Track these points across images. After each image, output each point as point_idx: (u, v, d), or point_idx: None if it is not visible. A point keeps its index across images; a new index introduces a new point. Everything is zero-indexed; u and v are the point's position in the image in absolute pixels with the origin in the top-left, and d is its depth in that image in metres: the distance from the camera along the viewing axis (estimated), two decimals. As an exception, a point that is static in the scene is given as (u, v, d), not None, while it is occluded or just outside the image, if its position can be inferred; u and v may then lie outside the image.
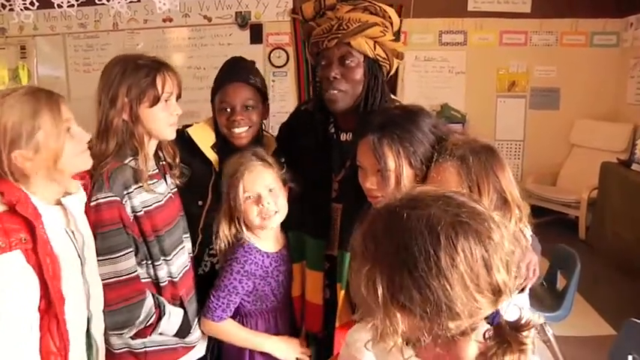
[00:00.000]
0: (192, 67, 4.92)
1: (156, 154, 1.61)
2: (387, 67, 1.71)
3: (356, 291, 0.85)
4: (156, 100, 1.48)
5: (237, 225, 1.64)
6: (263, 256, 1.65)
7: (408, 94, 4.99)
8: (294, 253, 1.76)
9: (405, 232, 0.79)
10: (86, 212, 1.37)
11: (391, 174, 1.38)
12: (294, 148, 1.83)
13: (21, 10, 2.21)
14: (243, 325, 1.66)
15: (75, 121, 1.29)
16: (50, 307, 1.19)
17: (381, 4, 1.67)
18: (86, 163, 1.33)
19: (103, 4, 2.36)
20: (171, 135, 1.56)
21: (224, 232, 1.63)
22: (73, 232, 1.31)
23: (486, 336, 0.82)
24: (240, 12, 4.78)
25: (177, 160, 1.66)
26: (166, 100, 1.50)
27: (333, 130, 1.74)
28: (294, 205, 1.68)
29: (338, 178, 1.71)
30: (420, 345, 0.84)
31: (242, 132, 1.74)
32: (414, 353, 0.86)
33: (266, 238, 1.68)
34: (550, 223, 4.14)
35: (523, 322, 0.82)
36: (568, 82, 4.74)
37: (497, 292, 0.79)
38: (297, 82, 4.88)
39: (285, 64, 4.85)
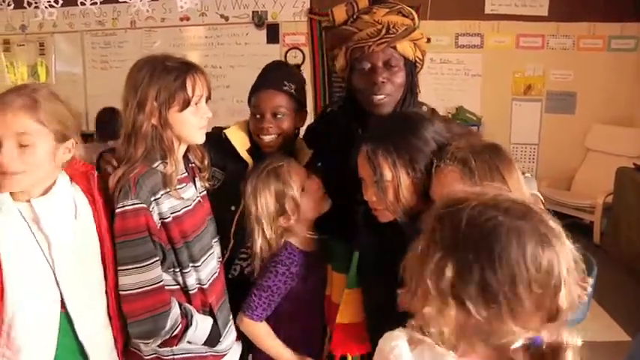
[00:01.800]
0: (209, 66, 4.93)
1: (185, 157, 1.56)
2: (420, 67, 1.73)
3: (411, 273, 0.88)
4: (186, 104, 1.43)
5: (276, 225, 1.62)
6: (305, 255, 1.64)
7: (424, 96, 4.96)
8: (330, 257, 1.77)
9: (493, 235, 0.81)
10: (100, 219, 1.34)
11: (389, 185, 1.37)
12: (321, 151, 1.83)
13: (45, 7, 2.24)
14: (278, 324, 1.65)
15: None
16: None
17: (408, 7, 1.68)
18: (202, 137, 1.48)
19: (124, 1, 2.38)
20: (201, 139, 1.52)
21: (265, 235, 1.61)
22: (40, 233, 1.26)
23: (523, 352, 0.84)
24: (257, 11, 4.81)
25: (207, 162, 1.62)
26: (196, 104, 1.45)
27: (360, 133, 1.71)
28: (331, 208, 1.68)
29: None
30: (456, 345, 0.86)
31: (270, 140, 1.71)
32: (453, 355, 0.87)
33: (303, 238, 1.67)
34: (564, 228, 4.11)
35: (563, 343, 0.83)
36: (584, 87, 4.71)
37: (552, 317, 0.81)
38: (314, 81, 4.89)
39: (301, 64, 4.87)
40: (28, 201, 1.25)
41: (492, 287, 0.79)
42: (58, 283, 1.27)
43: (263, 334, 1.63)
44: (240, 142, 1.77)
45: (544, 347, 0.83)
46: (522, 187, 1.28)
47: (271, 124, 1.70)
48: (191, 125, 1.47)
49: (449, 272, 0.81)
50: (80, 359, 1.33)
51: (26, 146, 1.20)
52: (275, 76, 1.77)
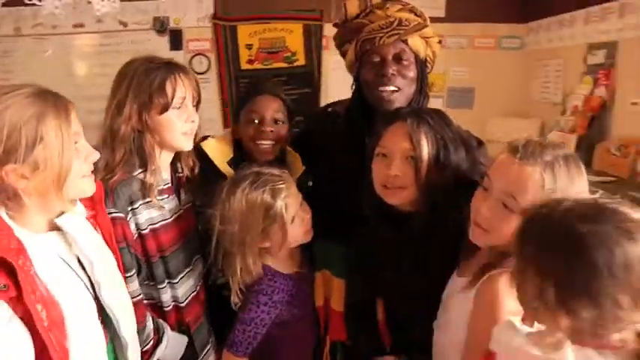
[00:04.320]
0: (108, 75, 4.64)
1: (172, 165, 1.47)
2: (430, 68, 1.73)
3: (522, 292, 0.94)
4: (165, 107, 1.35)
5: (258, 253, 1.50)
6: (287, 280, 1.56)
7: (332, 98, 5.02)
8: (318, 262, 1.70)
9: (582, 246, 0.86)
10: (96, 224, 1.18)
11: (423, 162, 1.35)
12: (320, 153, 1.75)
13: None
14: (269, 349, 1.57)
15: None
16: None
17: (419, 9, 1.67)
18: (91, 187, 1.12)
19: (32, 4, 2.21)
20: (186, 145, 1.43)
21: (246, 261, 1.49)
22: (78, 258, 1.09)
23: None
24: (159, 17, 4.62)
25: (197, 171, 1.54)
26: (179, 107, 1.37)
27: (367, 134, 1.65)
28: (322, 213, 1.59)
29: None
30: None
31: (268, 145, 1.65)
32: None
33: (283, 259, 1.59)
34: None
35: None
36: (481, 83, 4.99)
37: None
38: (220, 88, 4.80)
39: (206, 71, 4.76)
40: (54, 228, 1.06)
41: (593, 291, 0.85)
42: (108, 308, 1.13)
43: None
44: (219, 155, 1.68)
45: None
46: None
47: (272, 127, 1.65)
48: (173, 129, 1.39)
49: (550, 286, 0.88)
50: None
51: None
52: (271, 84, 1.77)
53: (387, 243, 1.50)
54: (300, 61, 4.94)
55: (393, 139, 1.40)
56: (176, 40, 4.68)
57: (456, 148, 1.42)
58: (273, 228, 1.49)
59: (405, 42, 1.63)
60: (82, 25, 4.67)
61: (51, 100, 1.02)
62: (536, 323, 0.98)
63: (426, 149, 1.36)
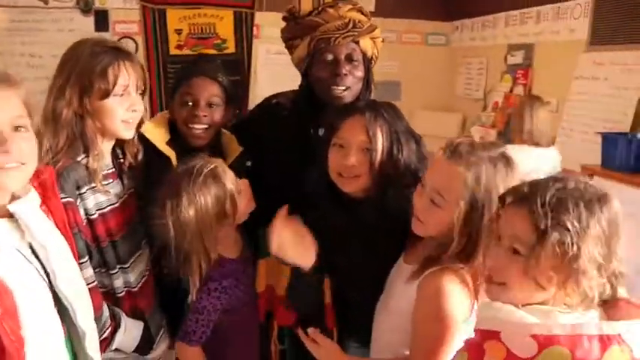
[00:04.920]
0: (26, 55, 4.41)
1: (114, 152, 1.45)
2: (374, 64, 1.78)
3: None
4: (106, 94, 1.32)
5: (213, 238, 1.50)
6: (233, 264, 1.55)
7: (261, 87, 5.04)
8: (263, 249, 1.69)
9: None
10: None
11: (377, 153, 1.42)
12: (263, 143, 1.76)
13: None
14: (218, 342, 1.56)
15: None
16: (3, 356, 0.92)
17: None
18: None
19: None
20: (125, 133, 1.40)
21: (211, 258, 1.48)
22: (31, 247, 1.06)
23: None
24: (83, -5, 4.41)
25: (140, 158, 1.50)
26: (122, 94, 1.34)
27: (314, 126, 1.71)
28: (268, 200, 1.58)
29: None
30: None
31: (201, 130, 1.61)
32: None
33: (229, 244, 1.58)
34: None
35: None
36: (408, 77, 5.19)
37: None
38: (148, 72, 4.65)
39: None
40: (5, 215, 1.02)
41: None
42: (64, 297, 1.08)
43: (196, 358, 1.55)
44: (158, 136, 1.64)
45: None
46: None
47: (205, 112, 1.61)
48: (113, 116, 1.36)
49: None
50: None
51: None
52: (209, 66, 1.71)
53: (337, 228, 1.56)
54: (230, 48, 4.86)
55: (350, 132, 1.46)
56: (102, 21, 4.46)
57: (407, 140, 1.51)
58: (226, 208, 1.50)
59: (357, 43, 1.70)
60: (-6, -2, 4.34)
61: None
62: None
63: (380, 141, 1.44)
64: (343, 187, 1.50)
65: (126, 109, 1.38)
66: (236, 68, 4.78)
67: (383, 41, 1.83)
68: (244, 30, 4.84)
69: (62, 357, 1.11)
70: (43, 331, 1.04)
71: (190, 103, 1.63)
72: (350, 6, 1.71)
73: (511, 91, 3.88)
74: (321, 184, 1.55)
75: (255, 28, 4.82)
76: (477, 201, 1.23)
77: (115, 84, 1.34)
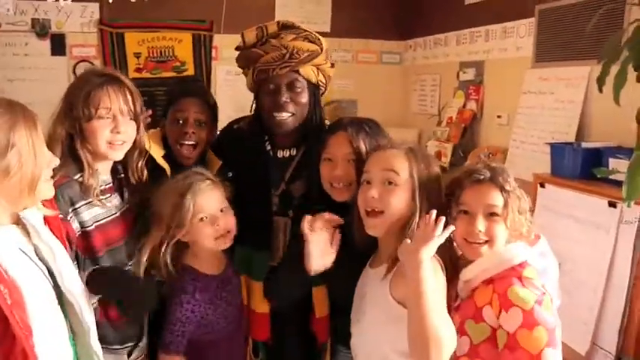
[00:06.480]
0: (-23, 79, 4.32)
1: (115, 168, 1.56)
2: (324, 89, 1.87)
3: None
4: (89, 117, 1.43)
5: (170, 250, 1.56)
6: (210, 280, 1.60)
7: (222, 108, 5.05)
8: (239, 266, 1.76)
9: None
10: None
11: (362, 162, 1.53)
12: (229, 164, 1.87)
13: None
14: (202, 352, 1.61)
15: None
16: (14, 344, 1.01)
17: (315, 33, 1.79)
18: (52, 190, 1.21)
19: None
20: (111, 154, 1.49)
21: (165, 260, 1.55)
22: (35, 247, 1.17)
23: None
24: (38, 19, 4.32)
25: (144, 179, 1.60)
26: (104, 118, 1.44)
27: (269, 148, 1.83)
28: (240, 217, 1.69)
29: (277, 192, 1.81)
30: None
31: (190, 147, 1.75)
32: None
33: (207, 260, 1.63)
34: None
35: None
36: (364, 94, 5.34)
37: None
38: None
39: (92, 78, 4.55)
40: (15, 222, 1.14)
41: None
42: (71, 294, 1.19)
43: None
44: (155, 150, 1.75)
45: None
46: None
47: (194, 129, 1.71)
48: (97, 138, 1.46)
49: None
50: None
51: None
52: (198, 86, 1.91)
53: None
54: (190, 70, 4.91)
55: (336, 147, 1.61)
56: (59, 45, 4.40)
57: None
58: (182, 218, 1.55)
59: (297, 72, 1.78)
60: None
61: (19, 111, 1.10)
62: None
63: (364, 152, 1.56)
64: (335, 196, 1.63)
65: (110, 131, 1.47)
66: (195, 90, 4.81)
67: (333, 66, 1.92)
68: (203, 52, 4.91)
69: (67, 350, 1.21)
70: (49, 325, 1.14)
71: (181, 122, 1.74)
72: (293, 35, 1.79)
73: (464, 106, 4.07)
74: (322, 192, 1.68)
75: (214, 51, 4.88)
76: (422, 172, 1.43)
77: (97, 107, 1.44)
